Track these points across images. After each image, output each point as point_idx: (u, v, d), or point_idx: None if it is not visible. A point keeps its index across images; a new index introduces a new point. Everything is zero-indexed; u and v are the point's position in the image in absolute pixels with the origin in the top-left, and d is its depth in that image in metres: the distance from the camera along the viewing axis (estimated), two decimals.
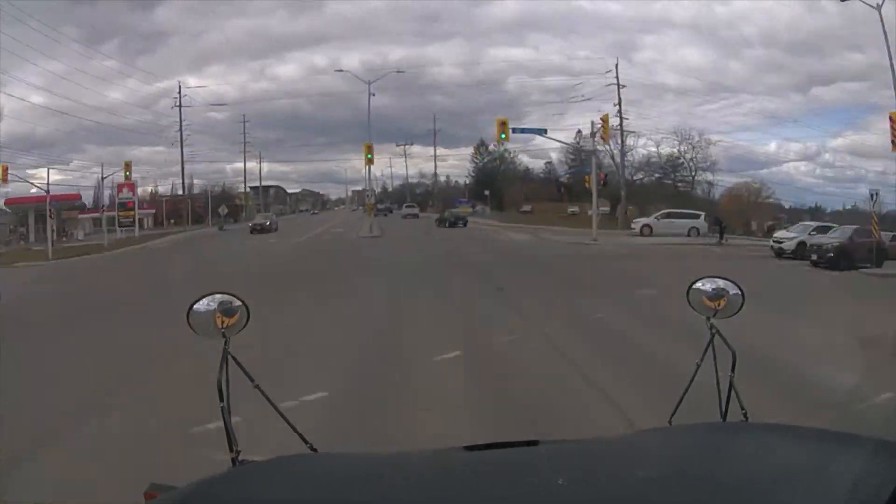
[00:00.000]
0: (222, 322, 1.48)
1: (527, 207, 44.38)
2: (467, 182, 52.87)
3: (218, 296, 1.54)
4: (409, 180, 61.15)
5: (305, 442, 1.46)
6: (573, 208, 41.05)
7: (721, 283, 1.64)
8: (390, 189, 67.42)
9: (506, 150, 46.30)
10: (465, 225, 35.54)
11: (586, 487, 0.99)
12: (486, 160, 51.12)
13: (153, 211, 43.43)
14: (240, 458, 1.27)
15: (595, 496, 0.96)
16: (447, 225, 35.33)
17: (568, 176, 46.63)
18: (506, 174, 50.04)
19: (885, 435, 1.11)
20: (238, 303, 1.52)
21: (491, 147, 48.35)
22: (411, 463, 1.22)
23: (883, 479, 0.87)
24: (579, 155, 41.72)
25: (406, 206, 49.69)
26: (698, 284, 1.64)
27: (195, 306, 1.51)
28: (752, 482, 0.96)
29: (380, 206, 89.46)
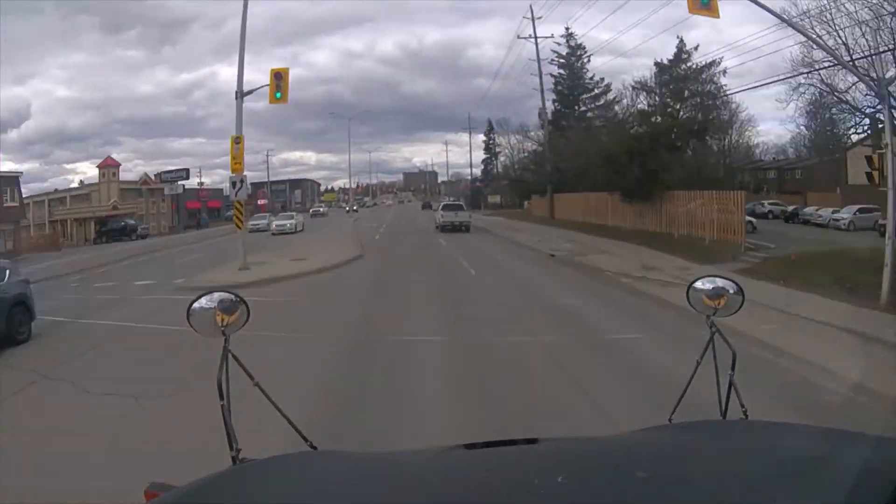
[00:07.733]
0: (222, 320, 1.47)
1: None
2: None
3: (217, 294, 1.51)
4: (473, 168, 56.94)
5: (305, 440, 1.45)
6: None
7: (720, 282, 1.62)
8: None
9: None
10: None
11: (586, 485, 0.99)
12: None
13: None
14: (240, 456, 1.27)
15: (595, 494, 0.96)
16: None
17: None
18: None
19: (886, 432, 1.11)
20: (238, 300, 1.50)
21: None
22: (412, 461, 1.21)
23: (884, 476, 0.87)
24: None
25: (444, 209, 28.78)
26: (698, 283, 1.62)
27: (195, 304, 1.49)
28: (753, 480, 0.96)
29: (366, 200, 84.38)
